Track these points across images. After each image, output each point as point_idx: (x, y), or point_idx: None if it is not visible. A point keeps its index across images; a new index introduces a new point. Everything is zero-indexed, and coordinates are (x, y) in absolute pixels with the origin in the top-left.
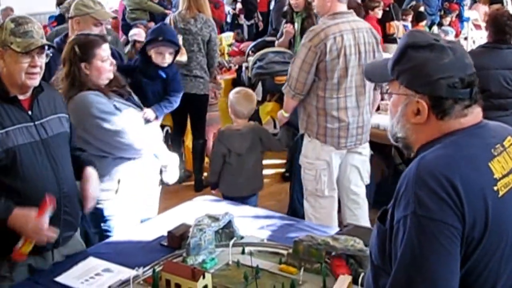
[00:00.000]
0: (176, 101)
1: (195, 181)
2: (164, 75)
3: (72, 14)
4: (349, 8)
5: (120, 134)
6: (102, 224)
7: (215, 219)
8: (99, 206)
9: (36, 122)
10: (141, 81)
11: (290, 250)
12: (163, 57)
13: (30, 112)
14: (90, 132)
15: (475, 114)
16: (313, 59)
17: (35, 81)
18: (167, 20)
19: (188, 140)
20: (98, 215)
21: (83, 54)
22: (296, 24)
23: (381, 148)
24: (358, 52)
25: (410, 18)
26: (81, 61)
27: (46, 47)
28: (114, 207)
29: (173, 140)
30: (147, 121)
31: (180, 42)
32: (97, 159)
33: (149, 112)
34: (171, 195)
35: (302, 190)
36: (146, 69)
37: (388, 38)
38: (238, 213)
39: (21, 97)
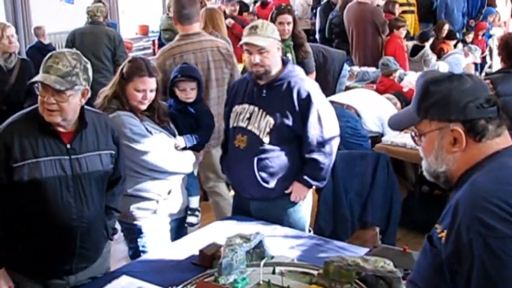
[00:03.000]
0: (206, 135)
1: None
2: (193, 111)
3: None
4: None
5: (147, 155)
6: (138, 241)
7: (246, 239)
8: (136, 223)
9: (73, 157)
10: (174, 114)
11: (321, 271)
12: (186, 93)
13: (68, 146)
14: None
15: (506, 135)
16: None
17: (53, 118)
18: None
19: None
20: (134, 232)
21: (126, 74)
22: (289, 54)
23: (407, 167)
24: (201, 69)
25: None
26: (123, 80)
27: (71, 90)
28: (151, 225)
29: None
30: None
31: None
32: (134, 179)
33: (179, 140)
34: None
35: (327, 207)
36: (177, 105)
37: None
38: (268, 232)
39: (61, 129)
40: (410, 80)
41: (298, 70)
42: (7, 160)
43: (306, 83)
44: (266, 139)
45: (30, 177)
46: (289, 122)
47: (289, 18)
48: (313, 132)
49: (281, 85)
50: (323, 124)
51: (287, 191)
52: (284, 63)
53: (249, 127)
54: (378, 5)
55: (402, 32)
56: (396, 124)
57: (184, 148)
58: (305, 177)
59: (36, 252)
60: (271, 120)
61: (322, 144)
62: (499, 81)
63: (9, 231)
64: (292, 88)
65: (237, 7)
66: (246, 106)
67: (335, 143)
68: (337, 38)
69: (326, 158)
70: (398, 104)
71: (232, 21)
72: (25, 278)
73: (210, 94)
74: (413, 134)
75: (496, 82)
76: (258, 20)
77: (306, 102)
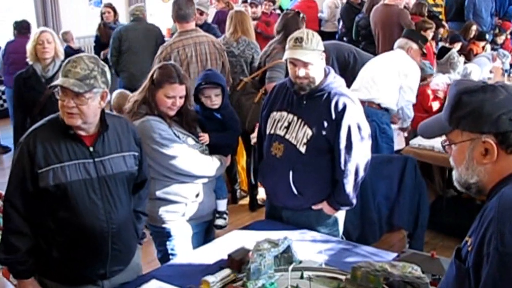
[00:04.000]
0: (232, 139)
1: (250, 200)
2: (219, 116)
3: None
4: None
5: (175, 159)
6: (167, 244)
7: (274, 244)
8: (165, 226)
9: (96, 159)
10: (200, 120)
11: (348, 276)
12: (211, 99)
13: (91, 149)
14: (150, 155)
15: None
16: None
17: (74, 121)
18: None
19: (242, 160)
20: (163, 235)
21: (156, 81)
22: None
23: (435, 171)
24: (200, 61)
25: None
26: (154, 86)
27: (90, 93)
28: (179, 228)
29: None
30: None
31: None
32: (163, 183)
33: (206, 136)
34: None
35: (354, 210)
36: (203, 111)
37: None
38: (296, 237)
39: (83, 133)
40: (437, 82)
41: (339, 81)
42: (31, 167)
43: (345, 95)
44: (303, 149)
45: (55, 182)
46: (326, 133)
47: None
48: (342, 147)
49: (321, 96)
50: (352, 140)
51: (314, 207)
52: (326, 73)
53: (287, 136)
54: (405, 7)
55: (429, 34)
56: (427, 132)
57: (211, 152)
58: (333, 201)
59: (70, 258)
60: (309, 131)
61: (348, 161)
62: None
63: (41, 238)
64: (331, 99)
65: (260, 9)
66: (284, 114)
67: (362, 161)
68: (364, 40)
69: (351, 181)
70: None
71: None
72: (58, 285)
73: None
74: (443, 142)
75: None
76: (303, 30)
77: (341, 115)
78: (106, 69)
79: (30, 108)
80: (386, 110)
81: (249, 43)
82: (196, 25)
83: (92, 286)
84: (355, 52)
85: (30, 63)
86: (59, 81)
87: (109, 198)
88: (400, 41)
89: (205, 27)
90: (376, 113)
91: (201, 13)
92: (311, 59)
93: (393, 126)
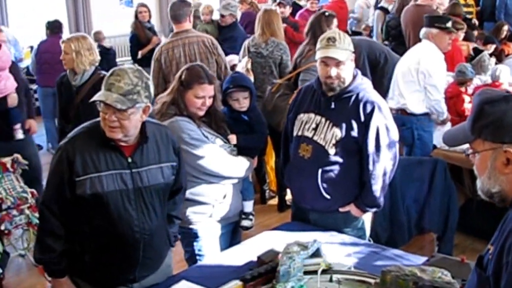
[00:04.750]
0: (260, 142)
1: (279, 200)
2: (246, 118)
3: None
4: None
5: (203, 160)
6: (194, 244)
7: (304, 246)
8: (192, 227)
9: (134, 170)
10: (228, 122)
11: (378, 280)
12: (239, 102)
13: (129, 159)
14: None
15: None
16: (157, 69)
17: (115, 135)
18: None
19: (272, 160)
20: (191, 236)
21: (185, 82)
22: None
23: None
24: (189, 61)
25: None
26: (182, 87)
27: (132, 108)
28: (206, 229)
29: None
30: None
31: (249, 66)
32: (190, 183)
33: (233, 137)
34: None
35: (383, 213)
36: (231, 113)
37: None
38: (326, 239)
39: (122, 143)
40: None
41: (367, 83)
42: (70, 175)
43: (373, 97)
44: (331, 151)
45: (92, 191)
46: (355, 134)
47: None
48: (370, 149)
49: (349, 97)
50: (380, 143)
51: (342, 210)
52: (354, 75)
53: (315, 138)
54: (437, 8)
55: (460, 35)
56: (451, 140)
57: (239, 154)
58: (360, 203)
59: (101, 263)
60: (337, 132)
61: (376, 163)
62: None
63: (75, 242)
64: (360, 100)
65: (288, 9)
66: (312, 115)
67: (390, 163)
68: (394, 41)
69: (379, 183)
70: None
71: (284, 24)
72: (89, 286)
73: None
74: (467, 151)
75: None
76: (334, 30)
77: (369, 117)
78: (150, 82)
79: (66, 113)
80: (421, 114)
81: (278, 44)
82: (223, 26)
83: (123, 287)
84: (386, 53)
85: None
86: (101, 95)
87: (144, 209)
88: (422, 32)
89: (232, 27)
90: (410, 120)
91: (222, 15)
92: (344, 59)
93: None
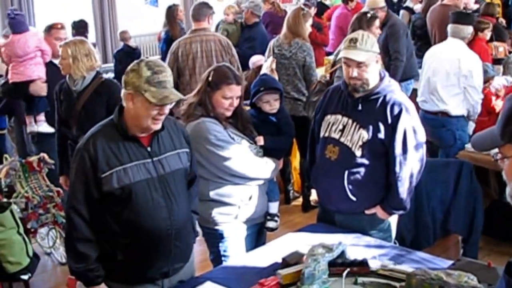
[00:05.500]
0: (287, 143)
1: (303, 201)
2: (275, 120)
3: None
4: None
5: (229, 161)
6: (219, 245)
7: (329, 249)
8: (217, 227)
9: (154, 159)
10: (256, 124)
11: (403, 283)
12: (270, 105)
13: (149, 149)
14: (205, 156)
15: None
16: (173, 61)
17: (159, 126)
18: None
19: (295, 161)
20: (216, 237)
21: (213, 83)
22: None
23: (491, 175)
24: (205, 56)
25: None
26: (210, 88)
27: None
28: (232, 230)
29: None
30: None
31: (273, 66)
32: (216, 184)
33: (260, 139)
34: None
35: (408, 214)
36: (258, 115)
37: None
38: (350, 241)
39: (141, 134)
40: (494, 84)
41: (395, 85)
42: (94, 173)
43: (400, 99)
44: (358, 153)
45: (120, 185)
46: (381, 136)
47: None
48: (397, 151)
49: (376, 99)
50: (407, 145)
51: (368, 212)
52: (381, 76)
53: (342, 139)
54: (464, 8)
55: (487, 34)
56: (480, 145)
57: (265, 155)
58: (386, 205)
59: (134, 259)
60: (364, 134)
61: (403, 165)
62: None
63: (105, 243)
64: (387, 102)
65: (313, 9)
66: (339, 117)
67: (416, 167)
68: (420, 41)
69: (405, 186)
70: None
71: None
72: (122, 286)
73: None
74: (495, 156)
75: None
76: (358, 31)
77: (396, 119)
78: None
79: (67, 119)
80: (461, 116)
81: (302, 45)
82: (247, 24)
83: (153, 286)
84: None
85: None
86: (167, 96)
87: (170, 196)
88: (452, 29)
89: (254, 27)
90: (451, 122)
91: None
92: (365, 60)
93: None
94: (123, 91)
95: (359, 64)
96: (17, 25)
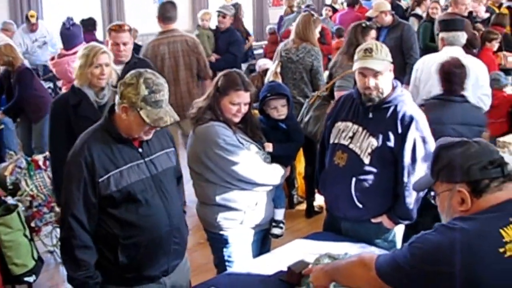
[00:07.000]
0: (295, 150)
1: (307, 206)
2: (284, 126)
3: None
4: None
5: (237, 165)
6: (224, 250)
7: (334, 258)
8: (222, 233)
9: (146, 159)
10: (265, 130)
11: None
12: (278, 110)
13: (140, 150)
14: (213, 160)
15: (510, 189)
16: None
17: (150, 137)
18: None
19: (300, 166)
20: (221, 242)
21: (221, 88)
22: None
23: None
24: (173, 57)
25: None
26: (218, 93)
27: None
28: (237, 236)
29: None
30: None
31: (278, 69)
32: (223, 189)
33: (269, 145)
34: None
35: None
36: (267, 121)
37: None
38: (356, 251)
39: (131, 136)
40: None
41: (406, 95)
42: (92, 178)
43: (411, 109)
44: (366, 160)
45: (118, 188)
46: (391, 144)
47: None
48: (406, 161)
49: (388, 108)
50: (416, 155)
51: (374, 220)
52: (394, 86)
53: (351, 146)
54: (474, 17)
55: (495, 45)
56: (418, 186)
57: (272, 161)
58: (393, 215)
59: (136, 260)
60: (373, 142)
61: (411, 175)
62: (430, 108)
63: (104, 248)
64: (398, 112)
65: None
66: (350, 124)
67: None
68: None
69: (413, 195)
70: None
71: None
72: None
73: (180, 76)
74: (431, 197)
75: (427, 110)
76: (371, 41)
77: (407, 128)
78: None
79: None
80: None
81: (310, 50)
82: (220, 28)
83: (155, 285)
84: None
85: (77, 85)
86: (161, 118)
87: (166, 194)
88: (449, 37)
89: (229, 32)
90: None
91: (224, 16)
92: (382, 69)
93: None
94: (117, 100)
95: (376, 74)
96: (70, 38)
